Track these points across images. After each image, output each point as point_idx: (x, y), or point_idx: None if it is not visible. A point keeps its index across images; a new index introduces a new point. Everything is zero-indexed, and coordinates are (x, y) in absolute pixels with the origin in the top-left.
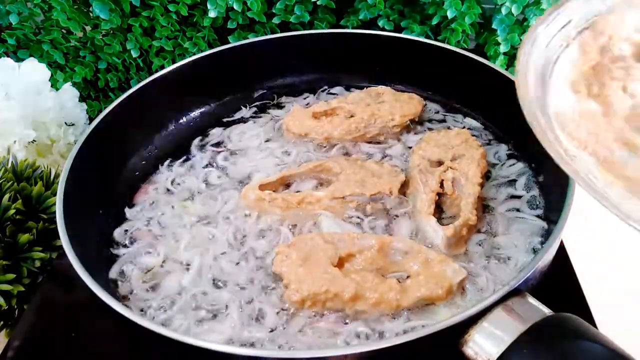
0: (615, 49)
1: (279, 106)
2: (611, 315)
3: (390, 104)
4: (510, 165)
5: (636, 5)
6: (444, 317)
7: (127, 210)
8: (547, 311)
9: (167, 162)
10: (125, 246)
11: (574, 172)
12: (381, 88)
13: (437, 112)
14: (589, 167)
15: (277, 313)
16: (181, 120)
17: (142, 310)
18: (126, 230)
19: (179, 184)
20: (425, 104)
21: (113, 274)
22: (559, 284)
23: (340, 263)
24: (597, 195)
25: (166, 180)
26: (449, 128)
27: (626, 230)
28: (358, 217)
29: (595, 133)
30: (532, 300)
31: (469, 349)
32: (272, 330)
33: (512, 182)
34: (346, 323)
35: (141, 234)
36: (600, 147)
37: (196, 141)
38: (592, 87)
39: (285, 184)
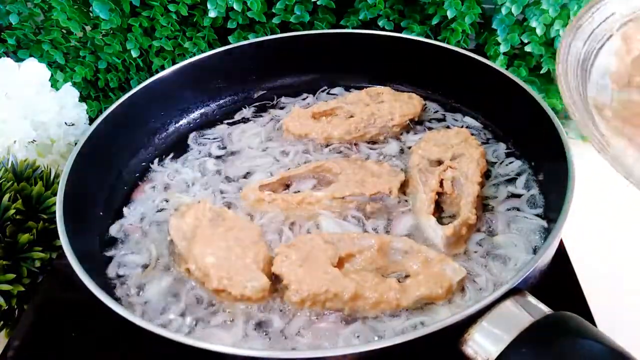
0: None
1: (279, 107)
2: (611, 314)
3: (390, 103)
4: (508, 164)
5: None
6: (443, 317)
7: (124, 209)
8: (546, 310)
9: (165, 160)
10: (121, 245)
11: (612, 158)
12: (380, 88)
13: (436, 112)
14: (627, 153)
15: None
16: (181, 122)
17: (143, 313)
18: (121, 228)
19: (173, 177)
20: (425, 104)
21: (111, 273)
22: (558, 283)
23: (340, 263)
24: (634, 179)
25: (164, 177)
26: (448, 127)
27: (626, 229)
28: (358, 217)
29: (634, 122)
30: (531, 299)
31: (468, 348)
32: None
33: (511, 181)
34: (346, 323)
35: (133, 231)
36: (637, 136)
37: (194, 135)
38: (634, 78)
39: (284, 184)
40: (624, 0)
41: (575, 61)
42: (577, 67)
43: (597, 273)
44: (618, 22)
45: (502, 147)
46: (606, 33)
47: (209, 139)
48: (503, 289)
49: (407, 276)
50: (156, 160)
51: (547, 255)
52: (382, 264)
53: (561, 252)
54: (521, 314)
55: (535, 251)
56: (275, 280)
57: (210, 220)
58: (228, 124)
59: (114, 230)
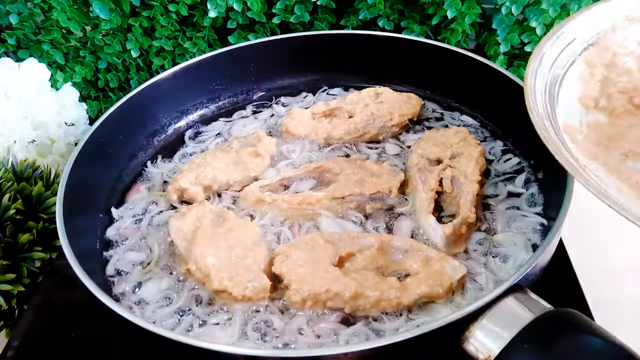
0: (619, 63)
1: (280, 105)
2: (609, 311)
3: (389, 104)
4: (505, 161)
5: (638, 20)
6: (444, 315)
7: (123, 209)
8: (547, 306)
9: (164, 159)
10: (121, 245)
11: (586, 181)
12: (380, 88)
13: (435, 111)
14: (600, 175)
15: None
16: (180, 123)
17: (142, 313)
18: (120, 228)
19: (170, 176)
20: (424, 104)
21: (111, 272)
22: (557, 280)
23: (340, 262)
24: (609, 201)
25: (161, 176)
26: (446, 126)
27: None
28: (358, 217)
29: (604, 144)
30: (532, 295)
31: (470, 346)
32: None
33: (511, 179)
34: (347, 322)
35: (132, 231)
36: (609, 157)
37: (192, 132)
38: (599, 100)
39: (284, 184)
40: (583, 25)
41: (543, 87)
42: (545, 93)
43: (596, 271)
44: (580, 47)
45: (499, 145)
46: (569, 58)
47: (208, 135)
48: (504, 286)
49: (407, 275)
50: (158, 158)
51: (547, 253)
52: (382, 263)
53: (560, 250)
54: (522, 311)
55: (535, 249)
56: (275, 280)
57: (210, 221)
58: (226, 122)
59: (113, 230)
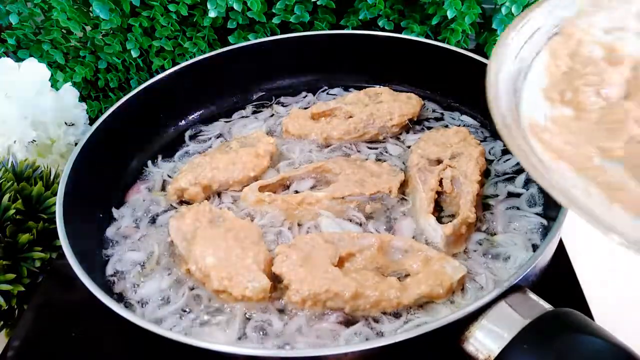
0: (585, 52)
1: (280, 105)
2: (609, 311)
3: (389, 104)
4: (505, 161)
5: (603, 7)
6: (444, 315)
7: (122, 209)
8: (547, 306)
9: (162, 159)
10: (121, 245)
11: (549, 186)
12: (379, 88)
13: (435, 111)
14: (567, 176)
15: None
16: (180, 123)
17: (142, 313)
18: (119, 228)
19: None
20: (424, 104)
21: (110, 272)
22: (557, 280)
23: (340, 262)
24: (576, 208)
25: (161, 176)
26: (446, 126)
27: None
28: (358, 217)
29: (571, 142)
30: (532, 295)
31: (470, 346)
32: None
33: (511, 180)
34: (347, 322)
35: (132, 232)
36: (577, 156)
37: (192, 132)
38: (565, 93)
39: (284, 185)
40: (548, 13)
41: (508, 81)
42: (510, 86)
43: (596, 271)
44: (545, 36)
45: (499, 145)
46: (533, 50)
47: (208, 135)
48: (504, 285)
49: (407, 275)
50: (158, 158)
51: (547, 253)
52: (382, 263)
53: (560, 250)
54: (522, 311)
55: (535, 249)
56: (275, 280)
57: (210, 221)
58: (226, 122)
59: (113, 230)
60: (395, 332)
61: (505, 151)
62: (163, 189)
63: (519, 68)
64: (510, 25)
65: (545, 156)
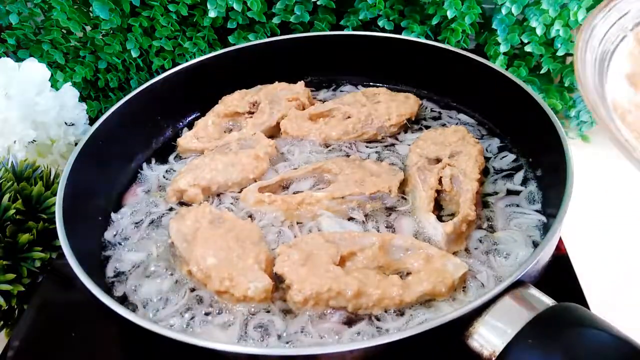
0: None
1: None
2: (608, 307)
3: (386, 104)
4: (502, 157)
5: None
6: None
7: (122, 210)
8: (550, 302)
9: (161, 160)
10: (120, 245)
11: (638, 163)
12: (377, 89)
13: (432, 110)
14: None
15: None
16: (179, 124)
17: (143, 313)
18: (118, 230)
19: (167, 177)
20: (422, 103)
21: (110, 273)
22: (556, 277)
23: (341, 262)
24: None
25: (157, 177)
26: (444, 125)
27: (623, 224)
28: (358, 217)
29: None
30: (535, 291)
31: (474, 342)
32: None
33: (509, 177)
34: (349, 321)
35: (131, 232)
36: None
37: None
38: None
39: (284, 185)
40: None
41: (593, 60)
42: (595, 67)
43: (595, 267)
44: (631, 22)
45: (495, 142)
46: (620, 33)
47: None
48: (507, 282)
49: (408, 274)
50: (153, 161)
51: (548, 249)
52: (383, 262)
53: (559, 246)
54: (525, 307)
55: (535, 246)
56: (277, 280)
57: (210, 222)
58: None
59: (113, 230)
60: (398, 330)
61: (502, 148)
62: (162, 190)
63: (604, 50)
64: (598, 6)
65: (629, 136)
